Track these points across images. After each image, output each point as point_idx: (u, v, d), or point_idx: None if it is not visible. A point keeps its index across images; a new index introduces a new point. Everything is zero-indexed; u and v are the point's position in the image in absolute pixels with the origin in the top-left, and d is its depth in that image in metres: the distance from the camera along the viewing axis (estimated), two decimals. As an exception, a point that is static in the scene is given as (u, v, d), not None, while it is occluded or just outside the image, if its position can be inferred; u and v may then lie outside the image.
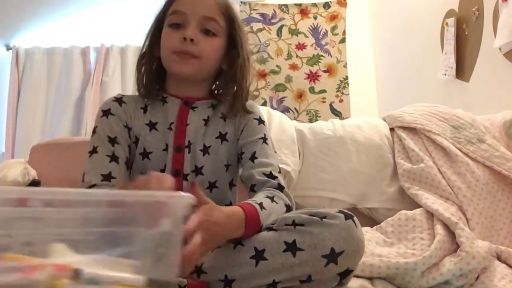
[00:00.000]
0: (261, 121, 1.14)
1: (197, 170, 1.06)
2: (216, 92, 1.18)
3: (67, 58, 3.52)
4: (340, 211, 0.88)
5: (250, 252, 0.86)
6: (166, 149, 1.07)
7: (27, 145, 2.25)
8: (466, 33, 2.13)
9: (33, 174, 1.63)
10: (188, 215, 0.72)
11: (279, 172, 1.07)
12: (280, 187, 1.03)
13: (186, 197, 0.64)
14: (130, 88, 3.40)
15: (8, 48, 3.52)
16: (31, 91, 3.45)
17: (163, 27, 1.10)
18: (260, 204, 0.91)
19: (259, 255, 0.85)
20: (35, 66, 3.49)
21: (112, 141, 1.06)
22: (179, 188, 1.02)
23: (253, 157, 1.07)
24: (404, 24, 2.96)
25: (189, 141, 1.07)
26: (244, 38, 1.13)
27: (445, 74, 2.27)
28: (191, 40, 1.04)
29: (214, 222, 0.80)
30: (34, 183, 1.60)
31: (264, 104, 3.58)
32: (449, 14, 2.29)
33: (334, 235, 0.84)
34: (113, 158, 1.05)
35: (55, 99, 3.46)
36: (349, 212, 0.89)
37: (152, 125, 1.10)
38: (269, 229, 0.89)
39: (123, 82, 3.50)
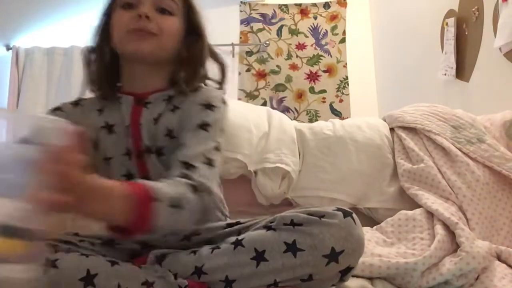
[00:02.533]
0: (208, 107, 1.00)
1: (162, 175, 0.93)
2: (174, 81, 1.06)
3: (67, 58, 3.52)
4: (339, 209, 0.87)
5: (250, 253, 0.85)
6: (127, 154, 1.00)
7: (27, 145, 2.25)
8: (466, 33, 2.13)
9: (33, 174, 1.63)
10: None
11: (209, 163, 0.92)
12: (187, 177, 0.87)
13: (56, 121, 0.52)
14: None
15: (8, 48, 3.52)
16: (31, 91, 3.45)
17: (114, 11, 1.03)
18: (159, 190, 0.79)
19: (259, 256, 0.85)
20: (35, 66, 3.50)
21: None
22: None
23: (181, 147, 0.94)
24: (404, 24, 2.96)
25: (145, 145, 0.98)
26: (202, 22, 1.08)
27: (445, 74, 2.27)
28: (147, 17, 0.99)
29: (86, 182, 0.67)
30: (34, 183, 1.60)
31: (264, 104, 3.58)
32: (449, 14, 2.29)
33: (334, 234, 0.84)
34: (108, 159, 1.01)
35: (55, 99, 3.46)
36: (348, 210, 0.88)
37: (109, 128, 1.02)
38: (268, 228, 0.88)
39: (123, 82, 3.50)
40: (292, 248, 0.84)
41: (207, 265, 0.86)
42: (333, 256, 0.83)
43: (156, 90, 1.04)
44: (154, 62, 1.04)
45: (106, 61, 1.06)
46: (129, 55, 1.02)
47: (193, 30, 1.07)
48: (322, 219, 0.85)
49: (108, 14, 1.06)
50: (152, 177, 0.94)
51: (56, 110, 1.07)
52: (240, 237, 0.88)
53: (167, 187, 0.81)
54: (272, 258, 0.84)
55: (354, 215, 0.87)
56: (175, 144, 0.97)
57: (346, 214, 0.86)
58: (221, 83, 1.12)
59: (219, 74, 1.12)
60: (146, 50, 1.00)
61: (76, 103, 1.09)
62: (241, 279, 0.85)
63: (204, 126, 0.97)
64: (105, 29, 1.05)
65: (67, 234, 0.91)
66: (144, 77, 1.04)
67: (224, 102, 1.05)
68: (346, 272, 0.86)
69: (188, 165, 0.90)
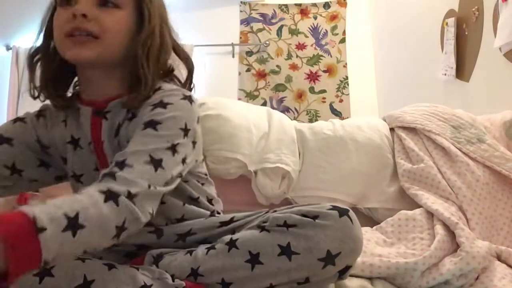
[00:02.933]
0: (161, 104, 0.87)
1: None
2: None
3: (67, 58, 3.52)
4: (334, 207, 0.84)
5: (245, 255, 0.83)
6: (97, 169, 0.92)
7: (27, 145, 2.25)
8: (466, 33, 2.13)
9: (33, 174, 1.63)
10: None
11: (153, 163, 0.80)
12: (107, 179, 0.76)
13: None
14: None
15: (8, 48, 3.52)
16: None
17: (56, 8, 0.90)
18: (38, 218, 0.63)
19: (254, 259, 0.83)
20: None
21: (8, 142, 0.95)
22: None
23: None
24: (404, 24, 2.96)
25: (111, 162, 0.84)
26: (153, 9, 0.91)
27: (445, 74, 2.27)
28: (84, 15, 0.84)
29: None
30: (34, 183, 1.60)
31: (264, 104, 3.59)
32: (449, 14, 2.29)
33: (329, 237, 0.81)
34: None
35: (55, 99, 3.46)
36: (344, 207, 0.85)
37: (75, 143, 0.94)
38: (261, 228, 0.86)
39: (123, 82, 3.50)
40: (286, 251, 0.82)
41: (202, 267, 0.85)
42: (329, 259, 0.82)
43: (114, 96, 0.91)
44: (105, 66, 0.90)
45: (53, 65, 0.94)
46: (71, 62, 0.90)
47: (143, 18, 0.91)
48: (316, 220, 0.83)
49: (52, 10, 0.93)
50: None
51: (19, 121, 1.00)
52: (234, 237, 0.87)
53: (60, 205, 0.68)
54: (267, 261, 0.82)
55: (350, 212, 0.84)
56: None
57: (341, 213, 0.84)
58: (185, 84, 1.00)
59: (185, 74, 0.99)
60: (87, 57, 0.86)
61: (40, 114, 1.00)
62: (237, 282, 0.84)
63: (152, 124, 0.84)
64: (48, 28, 0.93)
65: None
66: (100, 82, 0.92)
67: (186, 99, 0.89)
68: (344, 272, 0.85)
69: (120, 164, 0.78)
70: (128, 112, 0.90)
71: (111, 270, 0.79)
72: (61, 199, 0.70)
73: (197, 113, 0.92)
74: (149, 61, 0.89)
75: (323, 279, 0.85)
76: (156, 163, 0.81)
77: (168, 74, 0.98)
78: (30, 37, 3.51)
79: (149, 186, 0.78)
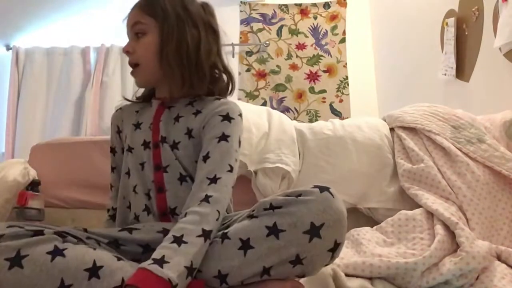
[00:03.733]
0: (226, 118, 1.09)
1: (170, 164, 1.08)
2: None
3: (67, 58, 3.52)
4: (315, 186, 0.89)
5: (236, 243, 0.87)
6: (144, 145, 1.12)
7: (27, 145, 2.25)
8: (466, 33, 2.13)
9: (33, 174, 1.63)
10: None
11: (230, 170, 1.02)
12: (206, 198, 0.96)
13: None
14: (130, 88, 3.40)
15: (8, 48, 3.52)
16: (31, 91, 3.45)
17: None
18: (159, 261, 0.83)
19: (245, 245, 0.86)
20: (35, 66, 3.49)
21: (112, 151, 1.22)
22: (160, 180, 1.07)
23: (205, 157, 1.04)
24: (404, 24, 2.96)
25: (161, 137, 1.10)
26: (176, 22, 1.11)
27: (445, 74, 2.27)
28: (128, 52, 1.13)
29: None
30: (34, 183, 1.60)
31: (264, 104, 3.58)
32: (449, 14, 2.29)
33: (311, 209, 0.85)
34: (112, 168, 1.21)
35: (55, 99, 3.46)
36: (325, 186, 0.89)
37: (137, 125, 1.16)
38: (250, 217, 0.90)
39: (123, 82, 3.50)
40: (273, 230, 0.86)
41: (198, 263, 0.88)
42: (313, 230, 0.84)
43: (179, 96, 1.15)
44: (160, 78, 1.14)
45: None
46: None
47: (169, 33, 1.12)
48: (299, 197, 0.87)
49: None
50: (163, 164, 1.08)
51: (118, 110, 1.24)
52: (225, 231, 0.91)
53: (179, 261, 0.84)
54: (257, 244, 0.86)
55: (332, 189, 0.88)
56: (192, 142, 1.09)
57: (322, 189, 0.88)
58: (229, 90, 1.21)
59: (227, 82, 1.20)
60: (140, 82, 1.16)
61: (119, 110, 1.24)
62: (233, 271, 0.86)
63: (225, 137, 1.06)
64: None
65: (76, 229, 0.94)
66: (163, 88, 1.16)
67: (240, 115, 1.13)
68: (335, 249, 0.87)
69: (212, 179, 0.99)
70: (191, 108, 1.13)
71: (120, 261, 0.85)
72: (175, 247, 0.86)
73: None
74: (189, 65, 1.10)
75: (314, 258, 0.86)
76: (233, 170, 1.03)
77: (215, 80, 1.17)
78: (30, 37, 3.53)
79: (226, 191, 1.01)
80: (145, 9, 1.13)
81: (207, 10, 1.19)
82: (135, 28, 1.12)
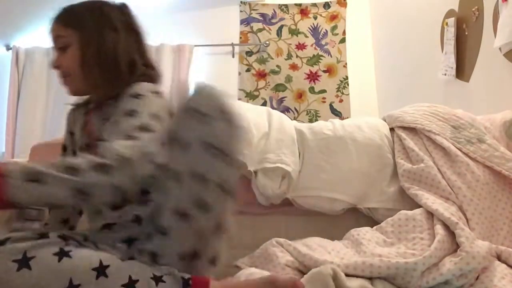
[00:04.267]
0: (134, 96, 1.07)
1: None
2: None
3: (67, 58, 3.51)
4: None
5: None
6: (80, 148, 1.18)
7: (27, 145, 2.25)
8: (466, 33, 2.13)
9: (33, 174, 1.63)
10: None
11: (129, 138, 0.97)
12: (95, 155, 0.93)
13: None
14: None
15: (8, 48, 3.52)
16: (31, 91, 3.45)
17: None
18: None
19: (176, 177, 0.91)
20: (35, 66, 3.49)
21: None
22: None
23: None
24: (404, 24, 2.96)
25: (98, 138, 1.13)
26: (94, 29, 1.14)
27: (445, 74, 2.27)
28: (56, 67, 1.16)
29: None
30: (34, 183, 1.60)
31: (264, 104, 3.58)
32: (449, 14, 2.29)
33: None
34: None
35: (55, 99, 3.46)
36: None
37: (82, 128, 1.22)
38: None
39: (123, 82, 3.50)
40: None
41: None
42: None
43: (106, 98, 1.15)
44: (90, 89, 1.18)
45: None
46: None
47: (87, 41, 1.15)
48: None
49: None
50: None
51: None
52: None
53: (34, 164, 0.87)
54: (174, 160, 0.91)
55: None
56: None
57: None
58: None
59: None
60: (70, 90, 1.19)
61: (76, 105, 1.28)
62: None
63: (130, 112, 1.02)
64: None
65: (74, 233, 0.95)
66: (93, 93, 1.20)
67: (153, 92, 1.09)
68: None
69: (104, 144, 0.95)
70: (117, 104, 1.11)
71: (124, 261, 0.88)
72: (29, 163, 0.90)
73: None
74: (95, 70, 1.13)
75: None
76: (133, 138, 0.99)
77: (138, 77, 1.15)
78: (30, 37, 3.52)
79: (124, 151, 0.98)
80: (63, 21, 1.15)
81: (124, 11, 1.20)
82: (58, 43, 1.15)
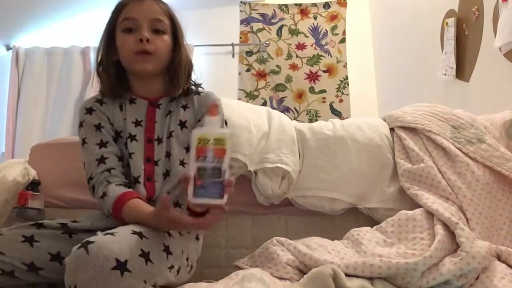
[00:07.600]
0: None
1: (168, 155, 1.24)
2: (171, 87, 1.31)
3: (67, 58, 3.52)
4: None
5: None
6: (136, 140, 1.24)
7: (27, 145, 2.25)
8: (466, 33, 2.13)
9: (33, 174, 1.63)
10: None
11: None
12: None
13: None
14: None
15: (8, 48, 3.52)
16: (31, 91, 3.45)
17: (116, 34, 1.25)
18: None
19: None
20: (35, 66, 3.50)
21: (98, 128, 1.24)
22: (151, 171, 1.21)
23: None
24: (404, 24, 2.96)
25: (158, 136, 1.25)
26: (183, 35, 1.31)
27: (445, 74, 2.27)
28: (147, 40, 1.21)
29: None
30: (34, 183, 1.60)
31: (264, 104, 3.58)
32: (449, 14, 2.29)
33: None
34: (102, 144, 1.22)
35: (55, 99, 3.46)
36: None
37: (128, 120, 1.27)
38: None
39: (123, 82, 3.50)
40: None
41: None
42: None
43: (161, 95, 1.30)
44: (155, 74, 1.28)
45: (112, 71, 1.28)
46: (137, 72, 1.27)
47: (177, 43, 1.29)
48: None
49: (110, 36, 1.27)
50: (155, 157, 1.23)
51: (90, 110, 1.26)
52: None
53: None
54: None
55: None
56: (183, 133, 1.26)
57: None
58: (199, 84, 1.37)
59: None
60: (149, 69, 1.24)
61: (100, 101, 1.29)
62: None
63: (226, 121, 1.32)
64: (108, 47, 1.27)
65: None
66: (150, 85, 1.29)
67: (219, 100, 1.35)
68: None
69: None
70: (176, 103, 1.30)
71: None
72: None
73: None
74: (183, 68, 1.28)
75: None
76: None
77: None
78: (30, 37, 3.52)
79: None
80: (165, 10, 1.27)
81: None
82: (157, 24, 1.24)
